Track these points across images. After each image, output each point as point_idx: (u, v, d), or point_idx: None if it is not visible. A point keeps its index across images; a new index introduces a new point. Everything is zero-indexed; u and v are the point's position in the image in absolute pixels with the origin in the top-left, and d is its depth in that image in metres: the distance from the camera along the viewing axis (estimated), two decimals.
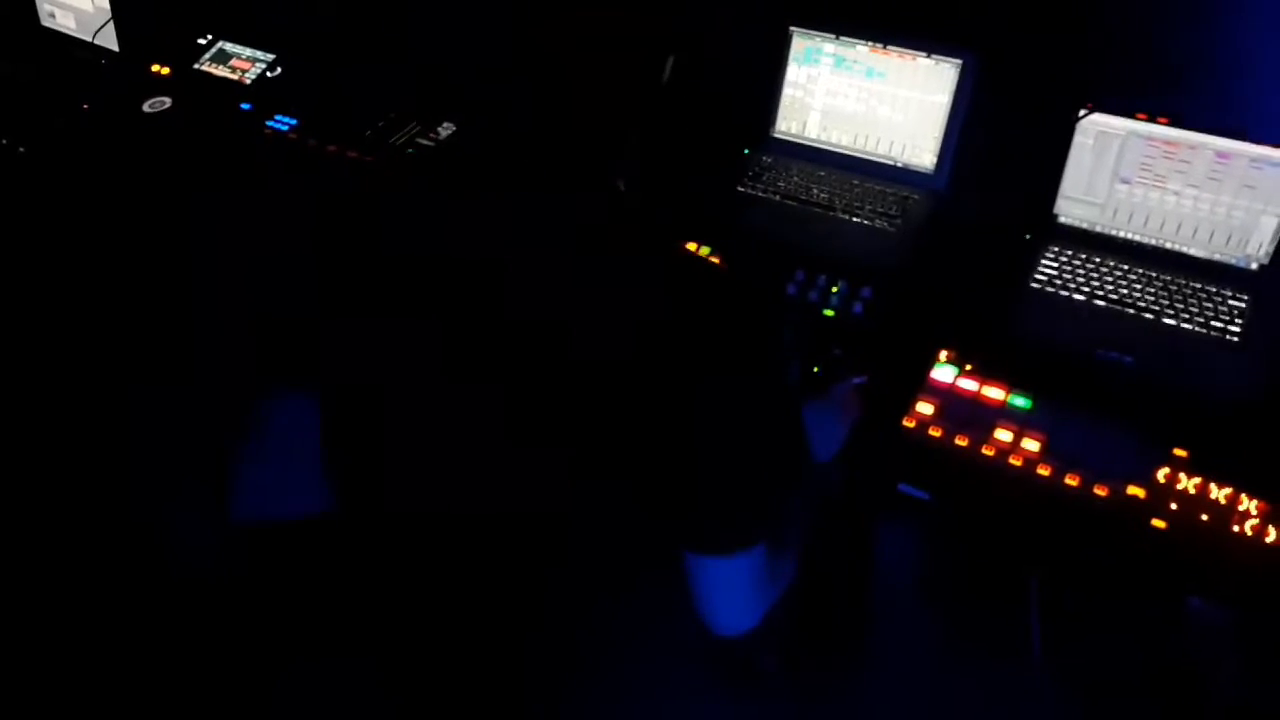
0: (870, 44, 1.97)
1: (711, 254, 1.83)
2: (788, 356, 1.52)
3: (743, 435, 1.03)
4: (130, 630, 1.74)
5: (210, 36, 2.51)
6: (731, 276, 1.12)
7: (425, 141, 2.13)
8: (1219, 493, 1.37)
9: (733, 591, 1.11)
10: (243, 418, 1.60)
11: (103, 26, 2.51)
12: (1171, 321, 1.67)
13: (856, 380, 1.53)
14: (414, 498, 1.11)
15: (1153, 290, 1.72)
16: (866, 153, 2.03)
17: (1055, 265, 1.78)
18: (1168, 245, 1.78)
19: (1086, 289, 1.73)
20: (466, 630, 1.16)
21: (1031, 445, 1.44)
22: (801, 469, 1.23)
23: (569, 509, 1.07)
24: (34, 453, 1.98)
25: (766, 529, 1.08)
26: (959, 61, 1.90)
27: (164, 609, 1.73)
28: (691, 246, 1.85)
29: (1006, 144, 1.88)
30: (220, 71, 2.43)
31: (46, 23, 2.66)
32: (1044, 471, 1.41)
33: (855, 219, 1.92)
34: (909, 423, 1.50)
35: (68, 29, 2.61)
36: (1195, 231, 1.75)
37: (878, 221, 1.91)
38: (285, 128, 2.24)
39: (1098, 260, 1.78)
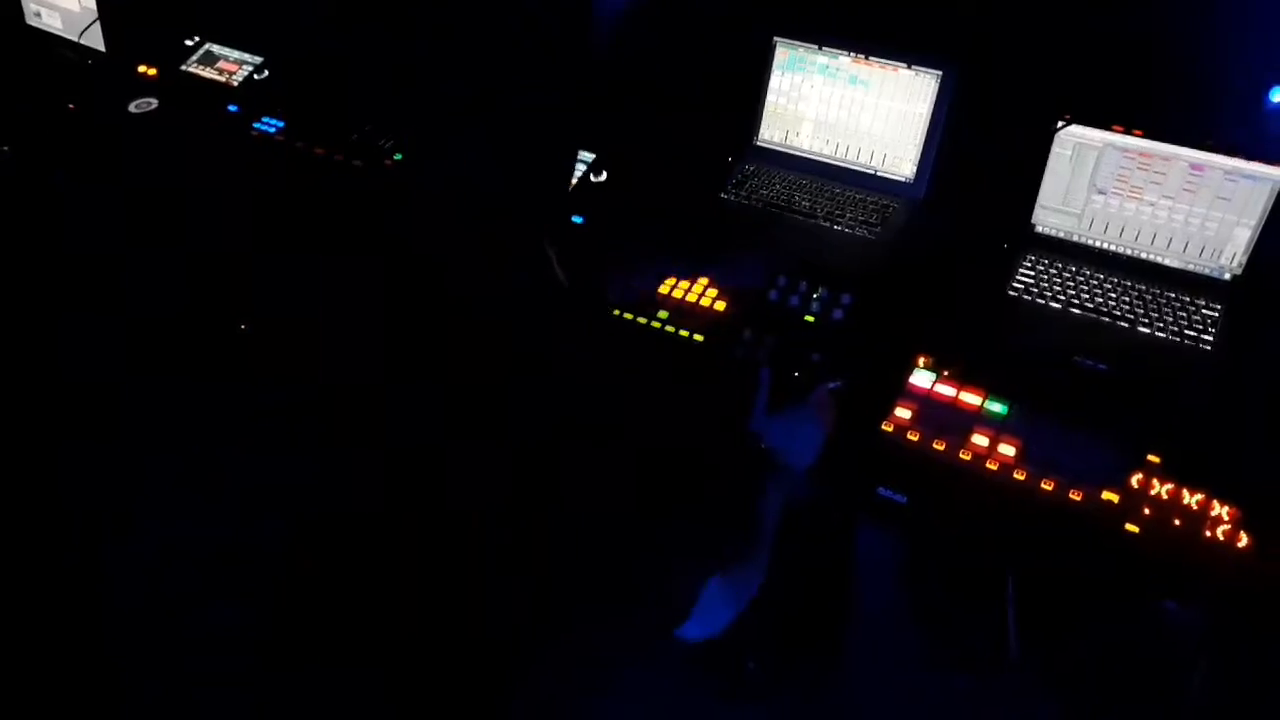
0: (853, 55, 2.00)
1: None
2: (754, 367, 1.54)
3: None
4: (118, 632, 1.73)
5: (198, 38, 2.51)
6: None
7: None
8: (1191, 498, 1.39)
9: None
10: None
11: (89, 26, 2.50)
12: (1146, 330, 1.69)
13: (831, 385, 1.54)
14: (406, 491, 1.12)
15: (1128, 299, 1.75)
16: (848, 161, 2.05)
17: (1032, 274, 1.80)
18: (1143, 255, 1.80)
19: (1063, 297, 1.76)
20: (453, 636, 1.16)
21: (1008, 450, 1.46)
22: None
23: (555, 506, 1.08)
24: (25, 447, 1.97)
25: (706, 574, 1.10)
26: (939, 73, 1.93)
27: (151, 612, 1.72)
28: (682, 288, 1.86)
29: (985, 154, 1.91)
30: (207, 73, 2.44)
31: (32, 22, 2.66)
32: (1020, 476, 1.43)
33: (836, 226, 1.94)
34: (887, 427, 1.51)
35: (54, 29, 2.61)
36: (1170, 242, 1.78)
37: (858, 229, 1.93)
38: (272, 130, 2.24)
39: (1074, 269, 1.81)
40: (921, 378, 1.58)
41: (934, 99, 1.94)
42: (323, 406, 1.15)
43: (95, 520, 1.87)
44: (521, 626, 1.18)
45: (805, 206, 1.99)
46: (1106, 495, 1.40)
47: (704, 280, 1.80)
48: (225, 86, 2.40)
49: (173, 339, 2.00)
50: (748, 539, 1.19)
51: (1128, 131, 1.76)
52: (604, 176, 2.05)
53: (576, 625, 1.25)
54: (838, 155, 2.06)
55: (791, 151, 2.09)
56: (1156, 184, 1.76)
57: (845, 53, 2.00)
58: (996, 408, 1.53)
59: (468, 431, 1.05)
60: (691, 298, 1.77)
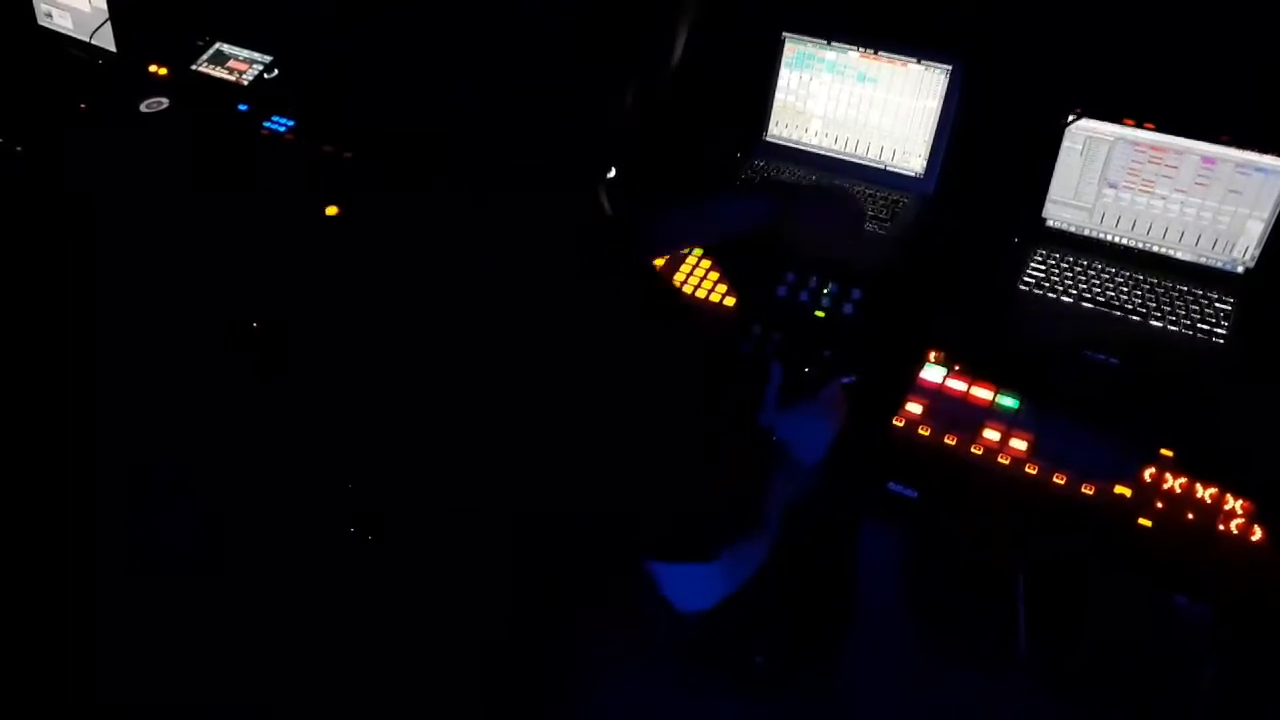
0: (861, 50, 1.99)
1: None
2: (765, 362, 1.54)
3: (694, 466, 1.04)
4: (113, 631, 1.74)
5: (208, 38, 2.52)
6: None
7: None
8: (1204, 492, 1.39)
9: (684, 583, 1.12)
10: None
11: (100, 26, 2.52)
12: (1158, 324, 1.69)
13: (844, 380, 1.54)
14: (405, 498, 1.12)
15: (1140, 293, 1.74)
16: (857, 156, 2.05)
17: (1043, 268, 1.80)
18: (1155, 249, 1.80)
19: (1074, 291, 1.75)
20: (458, 636, 1.16)
21: (1019, 445, 1.46)
22: (759, 498, 1.23)
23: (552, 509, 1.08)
24: (23, 449, 1.98)
25: (720, 548, 1.09)
26: (948, 67, 1.92)
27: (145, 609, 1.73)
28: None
29: (995, 148, 1.90)
30: (218, 72, 2.44)
31: (44, 22, 2.67)
32: (1031, 471, 1.43)
33: None
34: (898, 422, 1.51)
35: (64, 29, 2.62)
36: (1182, 235, 1.77)
37: (869, 224, 1.92)
38: (282, 129, 2.25)
39: (1085, 263, 1.80)
40: (932, 373, 1.58)
41: (943, 93, 1.94)
42: (331, 405, 1.15)
43: (97, 519, 1.89)
44: (526, 623, 1.18)
45: None
46: (1119, 490, 1.39)
47: (714, 275, 1.80)
48: (235, 85, 2.41)
49: (182, 337, 2.01)
50: (754, 516, 1.18)
51: (1139, 125, 1.76)
52: (612, 173, 2.05)
53: (580, 621, 1.25)
54: (847, 150, 2.05)
55: (801, 147, 2.09)
56: (1168, 177, 1.75)
57: (854, 48, 2.00)
58: (1008, 402, 1.52)
59: (471, 428, 1.04)
60: (701, 293, 1.77)
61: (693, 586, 1.13)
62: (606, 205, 1.08)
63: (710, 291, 1.77)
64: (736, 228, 1.63)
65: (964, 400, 1.54)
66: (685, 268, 1.82)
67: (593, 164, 1.08)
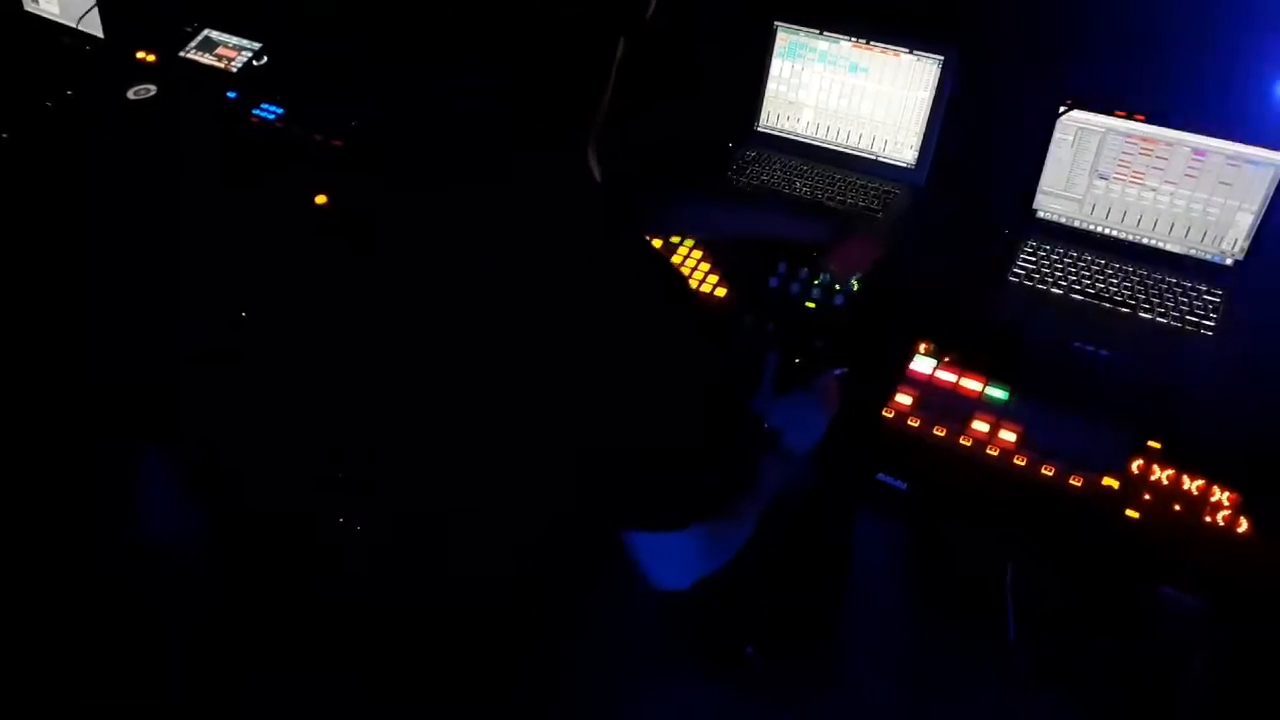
0: (853, 40, 1.99)
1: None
2: (757, 352, 1.54)
3: (665, 426, 1.03)
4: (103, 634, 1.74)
5: (196, 24, 2.50)
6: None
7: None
8: (1192, 484, 1.39)
9: (663, 560, 1.12)
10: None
11: (87, 12, 2.50)
12: (1148, 315, 1.69)
13: (837, 372, 1.54)
14: (399, 500, 1.11)
15: (1129, 284, 1.74)
16: (849, 147, 2.04)
17: (1034, 259, 1.80)
18: (1145, 240, 1.80)
19: (1064, 283, 1.75)
20: (453, 634, 1.16)
21: (1008, 436, 1.46)
22: (733, 459, 1.23)
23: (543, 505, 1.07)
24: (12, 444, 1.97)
25: (697, 513, 1.08)
26: (940, 58, 1.92)
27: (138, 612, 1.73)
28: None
29: (987, 139, 1.90)
30: (206, 59, 2.43)
31: (30, 8, 2.65)
32: (1020, 462, 1.43)
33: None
34: (888, 413, 1.51)
35: (51, 15, 2.60)
36: (1172, 227, 1.77)
37: (860, 215, 1.92)
38: (271, 117, 2.24)
39: (1075, 255, 1.80)
40: (922, 364, 1.58)
41: (935, 84, 1.93)
42: (321, 391, 1.15)
43: (91, 517, 1.88)
44: (518, 620, 1.18)
45: (806, 192, 1.98)
46: (1107, 481, 1.40)
47: (705, 265, 1.79)
48: (224, 73, 2.39)
49: (173, 326, 2.00)
50: (740, 492, 1.18)
51: (1130, 117, 1.76)
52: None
53: (569, 617, 1.25)
54: (839, 140, 2.05)
55: (793, 137, 2.09)
56: (1158, 169, 1.76)
57: (846, 38, 1.99)
58: (997, 394, 1.52)
59: (465, 409, 1.04)
60: (693, 284, 1.76)
61: (671, 563, 1.12)
62: (596, 172, 1.08)
63: (702, 282, 1.77)
64: (781, 236, 1.70)
65: (954, 391, 1.54)
66: (676, 258, 1.82)
67: (581, 127, 1.07)
